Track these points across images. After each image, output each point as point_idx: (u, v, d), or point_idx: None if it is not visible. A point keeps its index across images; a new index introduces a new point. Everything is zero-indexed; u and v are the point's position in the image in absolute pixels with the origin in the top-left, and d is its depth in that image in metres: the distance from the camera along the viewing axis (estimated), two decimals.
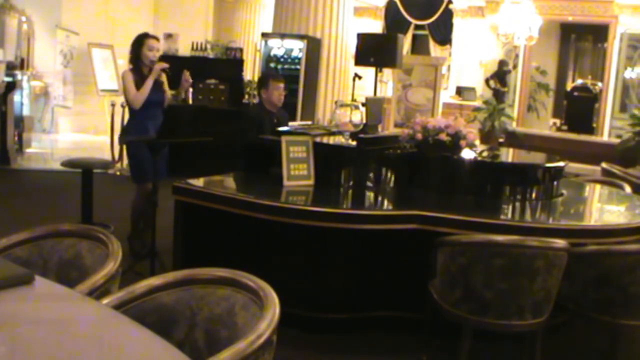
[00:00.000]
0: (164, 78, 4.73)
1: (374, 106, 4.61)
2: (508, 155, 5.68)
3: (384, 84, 13.50)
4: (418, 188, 4.12)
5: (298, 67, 8.22)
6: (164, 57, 5.40)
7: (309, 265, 3.68)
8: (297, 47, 8.25)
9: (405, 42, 13.09)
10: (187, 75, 4.73)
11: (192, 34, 10.15)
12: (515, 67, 12.29)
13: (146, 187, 4.60)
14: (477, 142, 4.71)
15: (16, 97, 8.42)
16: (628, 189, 4.74)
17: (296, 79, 8.08)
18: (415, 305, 3.45)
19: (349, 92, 8.10)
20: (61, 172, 6.37)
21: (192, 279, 1.93)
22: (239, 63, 8.85)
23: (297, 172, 4.00)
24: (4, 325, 1.57)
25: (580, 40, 13.67)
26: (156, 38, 4.82)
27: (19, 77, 8.78)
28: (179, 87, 4.76)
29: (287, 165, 3.97)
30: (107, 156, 7.97)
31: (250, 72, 11.31)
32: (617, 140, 9.82)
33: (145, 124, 4.60)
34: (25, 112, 9.42)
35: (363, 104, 4.53)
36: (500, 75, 11.73)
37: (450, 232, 3.22)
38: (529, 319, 2.89)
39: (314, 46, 8.23)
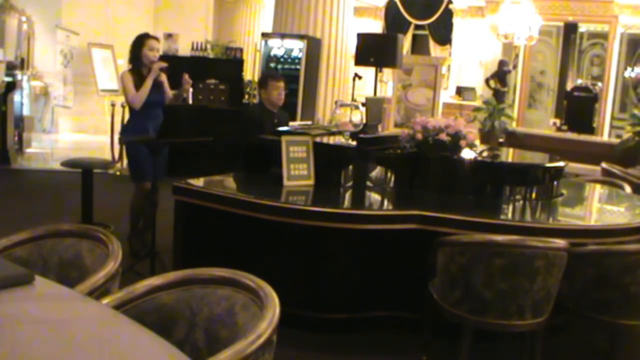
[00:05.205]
0: (164, 78, 4.73)
1: (374, 106, 4.61)
2: (508, 155, 5.68)
3: (384, 84, 13.50)
4: (418, 188, 4.12)
5: (298, 67, 8.22)
6: (164, 57, 5.40)
7: (309, 265, 3.68)
8: (297, 47, 8.25)
9: (405, 42, 13.10)
10: (187, 77, 4.72)
11: (192, 34, 10.15)
12: (515, 67, 12.29)
13: (144, 187, 4.61)
14: (477, 142, 4.71)
15: (16, 97, 8.42)
16: (628, 189, 4.74)
17: (296, 79, 8.08)
18: (415, 305, 3.45)
19: (349, 92, 8.11)
20: (61, 172, 6.37)
21: (192, 279, 1.93)
22: (239, 63, 8.85)
23: (297, 172, 4.00)
24: (4, 325, 1.57)
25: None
26: (156, 38, 4.82)
27: (19, 77, 8.77)
28: (180, 88, 4.76)
29: (287, 165, 3.97)
30: (107, 156, 7.97)
31: (250, 72, 11.31)
32: (617, 140, 9.82)
33: (145, 124, 4.60)
34: (25, 112, 9.42)
35: (363, 104, 4.53)
36: (500, 75, 11.73)
37: (450, 232, 3.22)
38: (529, 319, 2.89)
39: (314, 46, 8.23)
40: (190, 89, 7.82)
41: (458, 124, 4.15)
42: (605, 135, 11.28)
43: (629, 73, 11.63)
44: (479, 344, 3.00)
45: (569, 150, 8.24)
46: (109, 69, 10.07)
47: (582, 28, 12.47)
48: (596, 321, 3.18)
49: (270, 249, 3.67)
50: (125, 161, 7.59)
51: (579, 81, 12.90)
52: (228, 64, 8.75)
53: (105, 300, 1.86)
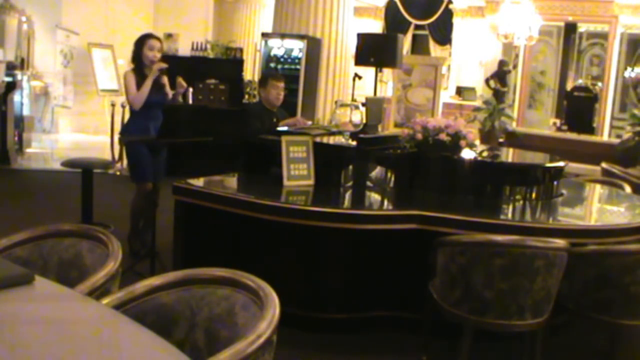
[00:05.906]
0: (166, 80, 4.72)
1: (374, 106, 4.61)
2: (508, 155, 5.68)
3: (384, 84, 13.50)
4: (418, 188, 4.12)
5: (298, 67, 8.22)
6: (164, 57, 5.40)
7: (309, 265, 3.68)
8: (297, 47, 8.25)
9: (405, 42, 13.10)
10: (181, 82, 4.70)
11: (192, 34, 10.14)
12: (515, 67, 12.29)
13: (145, 187, 4.61)
14: (477, 142, 4.71)
15: (16, 97, 8.41)
16: (628, 189, 4.74)
17: (296, 79, 8.08)
18: (415, 305, 3.45)
19: (349, 92, 8.10)
20: (61, 172, 6.37)
21: (192, 279, 1.93)
22: (239, 63, 8.85)
23: (297, 172, 4.00)
24: (4, 325, 1.57)
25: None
26: (158, 38, 4.83)
27: (19, 77, 8.76)
28: (174, 92, 4.73)
29: (287, 165, 3.97)
30: (107, 156, 7.97)
31: (250, 72, 11.31)
32: (617, 140, 9.83)
33: (146, 124, 4.60)
34: (25, 112, 9.41)
35: (363, 104, 4.53)
36: (500, 75, 11.73)
37: (450, 232, 3.22)
38: (529, 319, 2.89)
39: (314, 46, 8.23)
40: (191, 89, 7.86)
41: (458, 124, 4.15)
42: (605, 135, 11.29)
43: (629, 73, 11.63)
44: (479, 344, 3.00)
45: (569, 150, 8.24)
46: (109, 69, 10.07)
47: (582, 28, 12.48)
48: (596, 321, 3.18)
49: (270, 249, 3.67)
50: (125, 161, 7.59)
51: (579, 81, 12.90)
52: (228, 64, 8.74)
53: (105, 300, 1.85)
